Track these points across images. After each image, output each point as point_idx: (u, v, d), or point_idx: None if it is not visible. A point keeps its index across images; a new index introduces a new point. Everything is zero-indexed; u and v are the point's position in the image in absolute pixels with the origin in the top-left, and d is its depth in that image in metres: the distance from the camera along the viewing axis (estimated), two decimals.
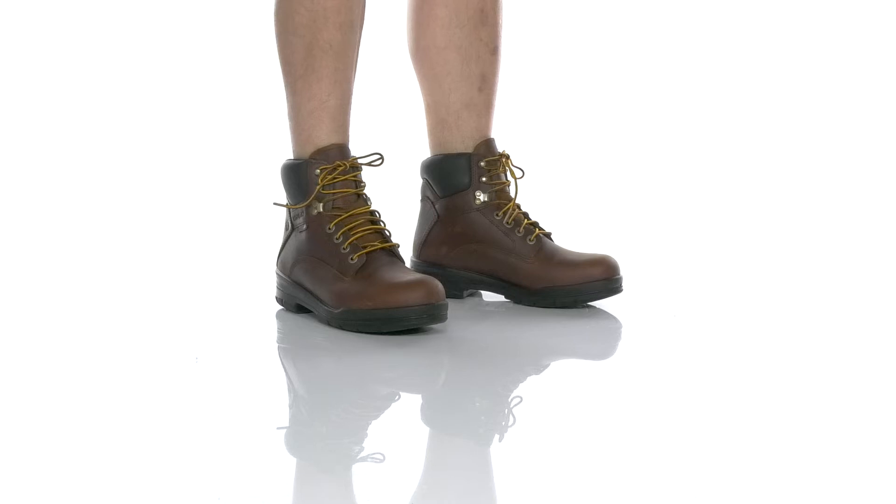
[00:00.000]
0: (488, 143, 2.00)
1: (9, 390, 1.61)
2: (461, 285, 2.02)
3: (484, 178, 1.99)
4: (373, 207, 1.88)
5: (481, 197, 1.99)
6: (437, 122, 2.02)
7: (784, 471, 1.30)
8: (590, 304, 1.96)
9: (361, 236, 1.84)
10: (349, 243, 1.84)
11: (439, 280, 1.82)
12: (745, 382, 1.62)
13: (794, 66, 3.56)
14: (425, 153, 2.05)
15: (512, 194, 2.00)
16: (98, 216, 2.81)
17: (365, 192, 1.89)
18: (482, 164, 1.99)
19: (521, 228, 1.97)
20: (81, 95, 3.47)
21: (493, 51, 2.01)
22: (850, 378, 1.64)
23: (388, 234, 1.87)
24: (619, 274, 1.93)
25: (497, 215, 1.98)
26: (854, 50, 3.56)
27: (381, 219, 1.88)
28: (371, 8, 1.97)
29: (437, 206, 2.02)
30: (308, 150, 1.88)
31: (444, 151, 2.02)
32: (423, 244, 2.04)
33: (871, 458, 1.34)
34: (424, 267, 2.03)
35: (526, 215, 1.99)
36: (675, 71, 3.58)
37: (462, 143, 2.01)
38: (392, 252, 1.85)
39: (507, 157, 2.01)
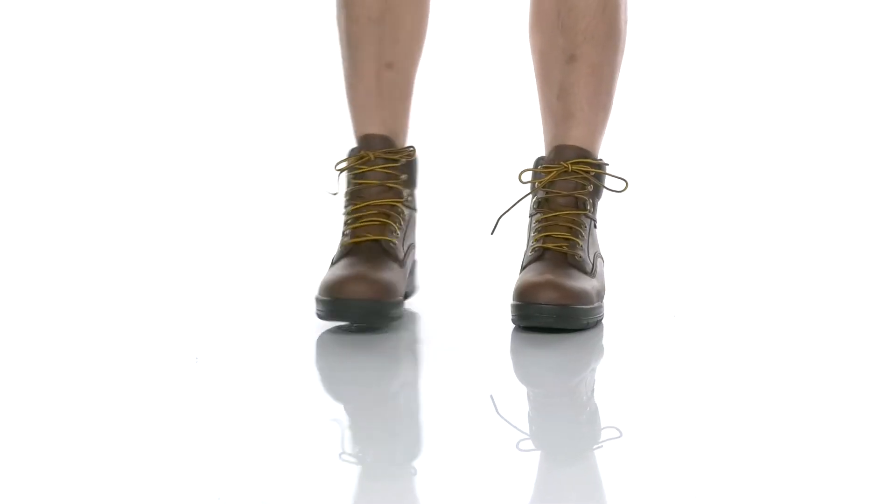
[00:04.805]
0: (556, 151, 1.91)
1: (9, 390, 1.61)
2: None
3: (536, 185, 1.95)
4: (412, 204, 1.91)
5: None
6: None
7: (784, 470, 1.30)
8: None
9: (361, 227, 1.84)
10: (349, 230, 1.85)
11: None
12: (745, 382, 1.62)
13: (792, 65, 3.56)
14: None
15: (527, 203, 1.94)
16: (99, 216, 2.81)
17: (402, 186, 1.89)
18: (539, 169, 1.95)
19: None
20: (90, 94, 3.47)
21: (570, 59, 1.91)
22: (850, 378, 1.64)
23: (399, 229, 1.87)
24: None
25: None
26: (854, 50, 3.56)
27: (408, 215, 1.89)
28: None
29: None
30: (356, 137, 1.93)
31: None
32: None
33: (872, 458, 1.34)
34: None
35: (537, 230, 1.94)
36: (673, 69, 3.58)
37: (546, 148, 1.97)
38: (382, 245, 1.85)
39: (567, 169, 1.91)
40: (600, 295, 1.86)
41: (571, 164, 1.89)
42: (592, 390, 1.62)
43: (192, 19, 3.56)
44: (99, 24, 3.53)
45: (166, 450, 1.37)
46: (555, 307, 1.78)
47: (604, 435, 1.42)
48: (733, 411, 1.50)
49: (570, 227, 1.87)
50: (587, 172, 1.89)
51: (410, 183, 1.93)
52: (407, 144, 1.94)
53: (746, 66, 3.57)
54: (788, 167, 3.22)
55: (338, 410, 1.53)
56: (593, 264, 1.87)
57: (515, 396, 1.62)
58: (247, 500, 1.23)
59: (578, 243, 1.86)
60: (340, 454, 1.37)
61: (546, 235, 1.86)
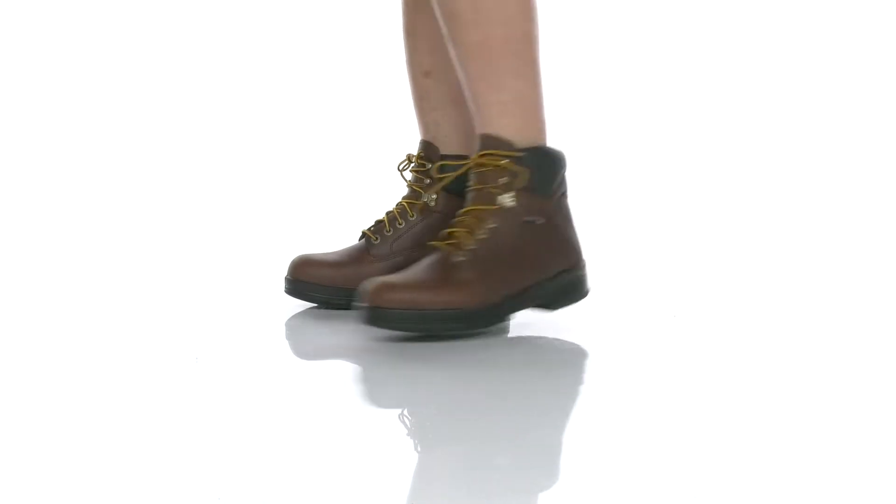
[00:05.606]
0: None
1: (9, 390, 1.61)
2: None
3: None
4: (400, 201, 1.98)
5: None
6: None
7: (783, 471, 1.30)
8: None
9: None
10: None
11: None
12: (745, 382, 1.62)
13: (791, 64, 3.56)
14: None
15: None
16: (98, 216, 2.81)
17: (418, 187, 1.97)
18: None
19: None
20: (94, 94, 3.47)
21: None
22: (850, 378, 1.64)
23: (375, 224, 1.96)
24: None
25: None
26: (854, 50, 3.56)
27: (392, 211, 1.97)
28: None
29: None
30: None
31: None
32: None
33: (871, 458, 1.34)
34: None
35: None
36: (672, 67, 3.58)
37: None
38: (367, 239, 1.97)
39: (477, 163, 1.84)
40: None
41: (478, 156, 1.79)
42: (590, 390, 1.62)
43: (192, 19, 3.56)
44: (97, 24, 3.54)
45: (166, 450, 1.37)
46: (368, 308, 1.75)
47: (602, 435, 1.42)
48: (733, 411, 1.50)
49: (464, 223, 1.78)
50: (496, 164, 1.78)
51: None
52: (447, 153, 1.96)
53: (749, 69, 3.57)
54: (788, 167, 3.23)
55: (336, 410, 1.53)
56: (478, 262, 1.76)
57: (513, 396, 1.62)
58: (247, 500, 1.23)
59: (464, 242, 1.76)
60: (338, 453, 1.37)
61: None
